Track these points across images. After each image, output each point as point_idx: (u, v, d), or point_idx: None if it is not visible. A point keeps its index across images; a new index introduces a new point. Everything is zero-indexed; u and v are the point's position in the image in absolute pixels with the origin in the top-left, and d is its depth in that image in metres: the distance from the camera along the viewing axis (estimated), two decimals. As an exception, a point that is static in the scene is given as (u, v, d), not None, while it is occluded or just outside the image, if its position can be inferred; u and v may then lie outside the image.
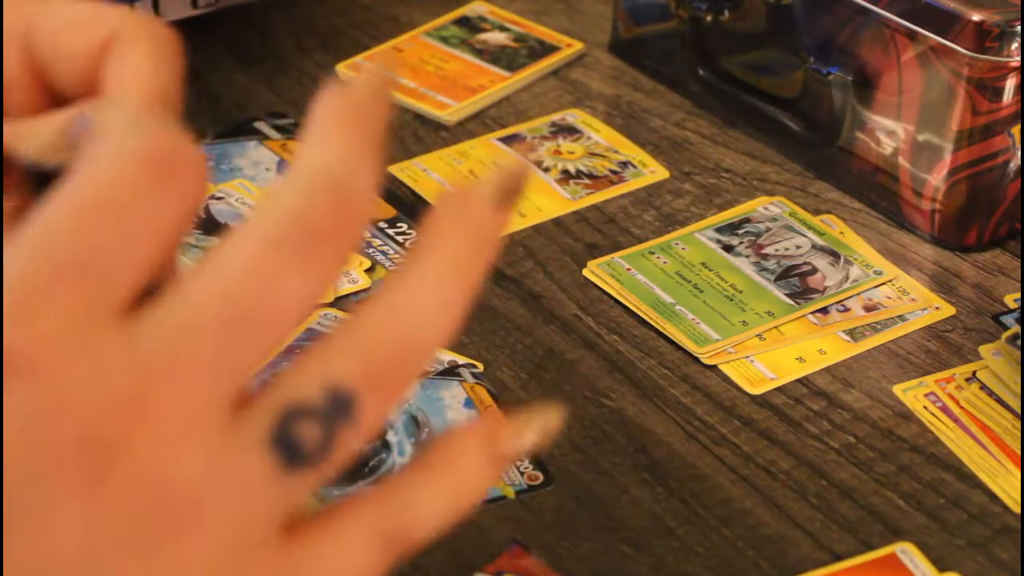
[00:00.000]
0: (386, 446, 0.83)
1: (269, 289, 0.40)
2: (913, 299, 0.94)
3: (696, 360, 0.89)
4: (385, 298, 0.43)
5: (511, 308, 0.94)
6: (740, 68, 1.09)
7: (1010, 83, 0.92)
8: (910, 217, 0.99)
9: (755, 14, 1.06)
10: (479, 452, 0.46)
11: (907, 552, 0.77)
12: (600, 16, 1.23)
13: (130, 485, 0.36)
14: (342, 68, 1.17)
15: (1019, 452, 0.82)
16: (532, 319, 0.93)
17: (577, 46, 1.19)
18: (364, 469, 0.81)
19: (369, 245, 0.98)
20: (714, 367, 0.89)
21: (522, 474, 0.81)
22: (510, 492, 0.80)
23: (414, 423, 0.84)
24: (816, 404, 0.86)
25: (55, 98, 0.54)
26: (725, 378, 0.88)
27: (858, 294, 0.94)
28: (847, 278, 0.95)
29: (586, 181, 1.04)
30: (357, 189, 0.45)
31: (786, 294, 0.93)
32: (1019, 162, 0.95)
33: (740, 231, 0.99)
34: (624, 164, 1.06)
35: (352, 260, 0.96)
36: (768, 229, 0.99)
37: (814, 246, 0.98)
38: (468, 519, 0.79)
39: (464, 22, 1.23)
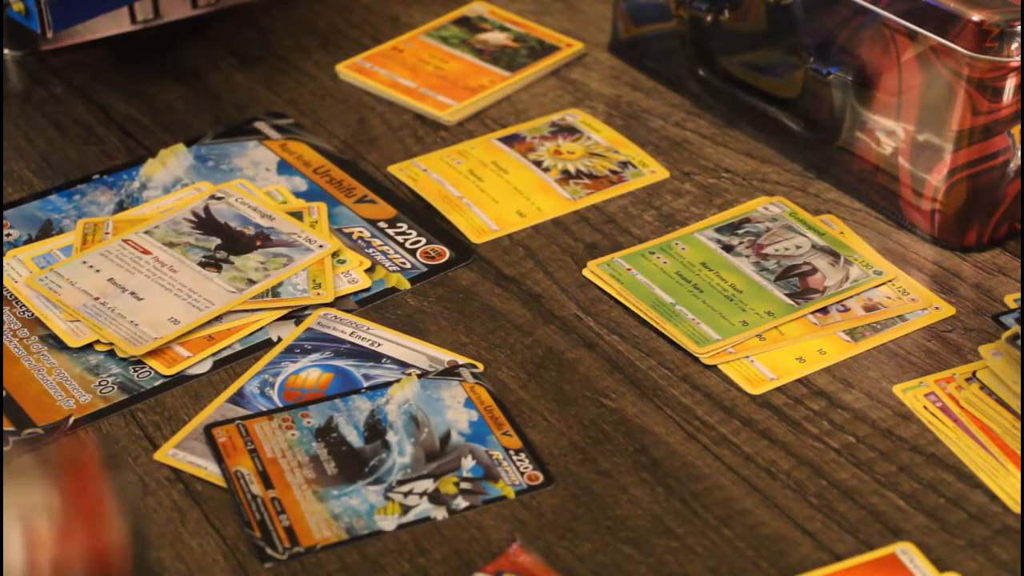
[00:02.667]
0: (386, 446, 0.83)
1: None
2: (913, 299, 0.94)
3: (696, 360, 0.89)
4: None
5: (511, 308, 0.94)
6: (740, 68, 1.09)
7: (1010, 83, 0.92)
8: (910, 217, 0.99)
9: (755, 14, 1.06)
10: None
11: (907, 552, 0.77)
12: (600, 16, 1.23)
13: None
14: (342, 68, 1.17)
15: (1019, 452, 0.82)
16: (532, 319, 0.93)
17: (577, 46, 1.19)
18: (364, 469, 0.81)
19: (369, 245, 0.98)
20: (714, 367, 0.89)
21: (522, 474, 0.81)
22: (510, 492, 0.80)
23: (414, 423, 0.84)
24: (816, 404, 0.86)
25: None
26: (725, 378, 0.88)
27: (858, 294, 0.94)
28: (847, 278, 0.95)
29: (586, 181, 1.04)
30: None
31: (786, 294, 0.93)
32: (1019, 162, 0.95)
33: (740, 231, 0.99)
34: (624, 164, 1.06)
35: (352, 259, 0.96)
36: (768, 229, 0.99)
37: (814, 246, 0.98)
38: (468, 519, 0.79)
39: (464, 22, 1.23)
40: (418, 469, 0.81)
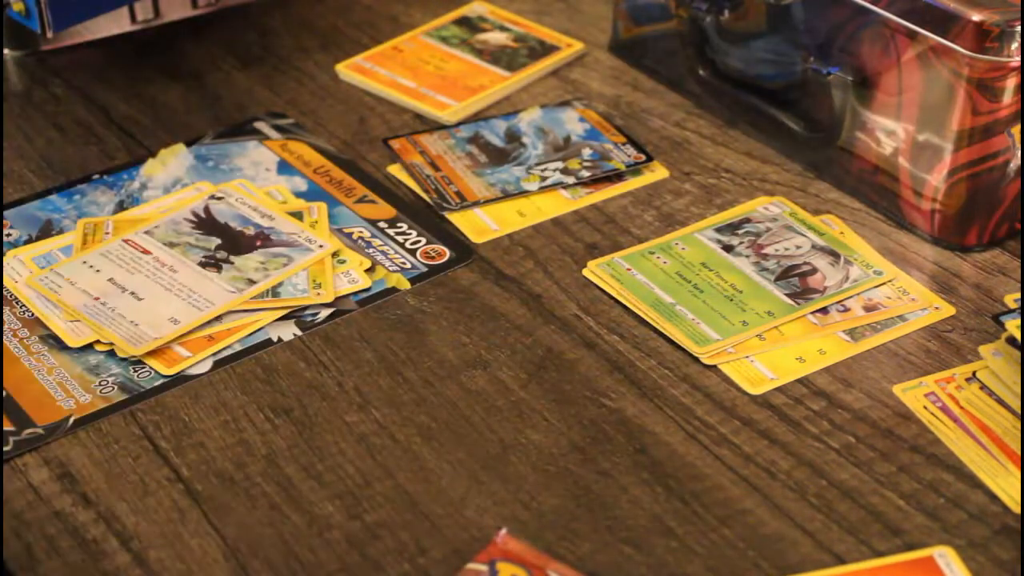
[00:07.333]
0: (522, 145, 1.06)
1: None
2: (913, 299, 0.94)
3: (696, 360, 0.89)
4: None
5: (511, 308, 0.94)
6: (740, 68, 1.09)
7: (1010, 83, 0.92)
8: (910, 217, 0.99)
9: (755, 14, 1.06)
10: None
11: (944, 556, 0.76)
12: (600, 16, 1.23)
13: None
14: (342, 68, 1.17)
15: (1019, 452, 0.82)
16: (532, 319, 0.93)
17: (577, 46, 1.19)
18: (508, 158, 1.05)
19: (369, 245, 0.98)
20: (714, 367, 0.89)
21: (628, 156, 1.04)
22: (621, 166, 1.02)
23: (541, 131, 1.08)
24: (816, 404, 0.86)
25: None
26: (725, 378, 0.88)
27: (858, 294, 0.94)
28: (847, 278, 0.95)
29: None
30: None
31: (786, 294, 0.93)
32: (1019, 162, 0.95)
33: (740, 231, 0.99)
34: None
35: (352, 259, 0.96)
36: (768, 229, 0.99)
37: (814, 246, 0.98)
38: (459, 512, 0.79)
39: (464, 22, 1.23)
40: (549, 157, 1.06)
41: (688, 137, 1.09)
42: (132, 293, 0.93)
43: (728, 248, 0.98)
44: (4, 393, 0.87)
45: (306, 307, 0.93)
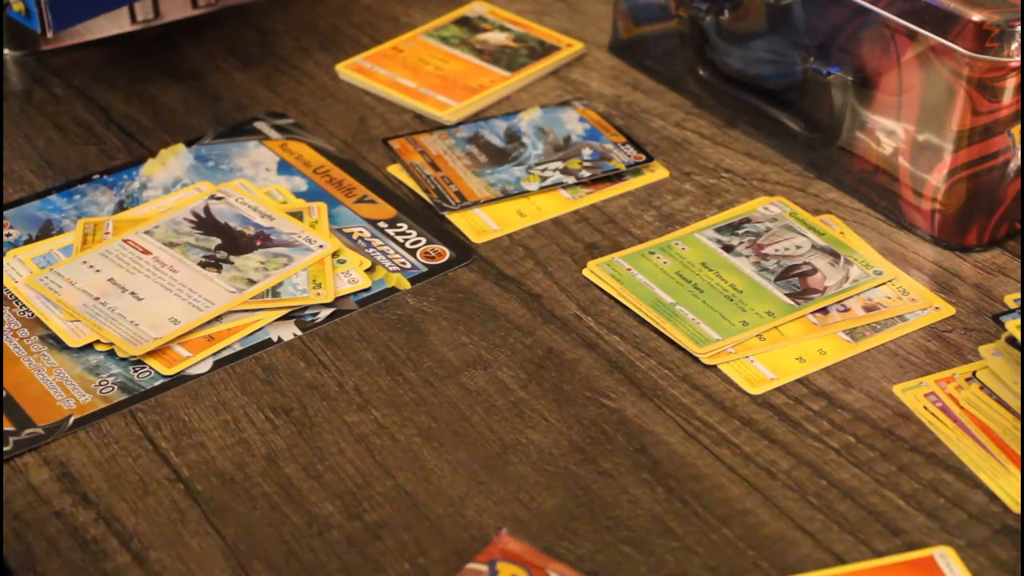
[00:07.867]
0: (522, 145, 1.06)
1: None
2: (913, 299, 0.94)
3: (696, 360, 0.89)
4: None
5: (511, 308, 0.94)
6: (740, 68, 1.09)
7: (1010, 83, 0.92)
8: (910, 217, 0.99)
9: (755, 14, 1.06)
10: None
11: (945, 556, 0.76)
12: (600, 16, 1.23)
13: None
14: (342, 68, 1.17)
15: (1019, 452, 0.82)
16: (532, 319, 0.93)
17: (577, 46, 1.19)
18: (508, 158, 1.05)
19: (369, 245, 0.98)
20: (714, 367, 0.89)
21: (628, 156, 1.04)
22: (621, 166, 1.03)
23: (542, 131, 1.08)
24: (816, 404, 0.86)
25: None
26: (725, 378, 0.88)
27: (858, 294, 0.94)
28: (847, 278, 0.95)
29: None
30: None
31: (786, 294, 0.93)
32: (1019, 162, 0.95)
33: (740, 231, 0.99)
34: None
35: (352, 259, 0.96)
36: (768, 229, 0.99)
37: (814, 246, 0.98)
38: (459, 512, 0.79)
39: (464, 22, 1.23)
40: (549, 157, 1.06)
41: (688, 137, 1.09)
42: (132, 293, 0.93)
43: (728, 248, 0.98)
44: (4, 393, 0.87)
45: (306, 307, 0.93)
